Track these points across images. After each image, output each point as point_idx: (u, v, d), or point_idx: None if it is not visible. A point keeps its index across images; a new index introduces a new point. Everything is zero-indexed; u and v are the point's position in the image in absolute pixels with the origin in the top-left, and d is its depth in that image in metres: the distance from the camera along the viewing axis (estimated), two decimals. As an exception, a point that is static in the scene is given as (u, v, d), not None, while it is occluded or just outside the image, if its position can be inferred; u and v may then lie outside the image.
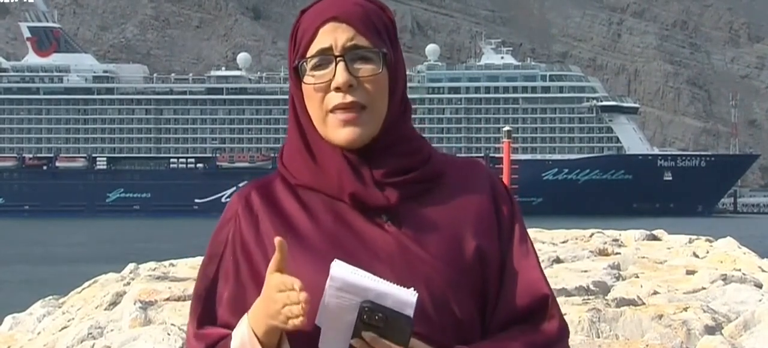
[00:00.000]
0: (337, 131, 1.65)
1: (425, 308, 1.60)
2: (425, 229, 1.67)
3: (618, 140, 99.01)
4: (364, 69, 1.65)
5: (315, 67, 1.66)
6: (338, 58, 1.64)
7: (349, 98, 1.63)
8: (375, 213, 1.66)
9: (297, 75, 1.69)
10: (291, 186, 1.71)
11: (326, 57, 1.65)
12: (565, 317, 1.73)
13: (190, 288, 6.18)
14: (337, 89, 1.64)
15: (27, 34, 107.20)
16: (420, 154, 1.71)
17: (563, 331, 1.70)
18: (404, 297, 1.52)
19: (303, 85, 1.68)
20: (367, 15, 1.67)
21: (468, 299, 1.66)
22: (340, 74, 1.63)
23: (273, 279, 1.54)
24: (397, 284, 1.56)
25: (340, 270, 1.53)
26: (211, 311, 1.69)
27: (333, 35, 1.65)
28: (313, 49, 1.66)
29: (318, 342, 1.56)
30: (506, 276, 1.70)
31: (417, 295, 1.53)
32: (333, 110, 1.64)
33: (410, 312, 1.51)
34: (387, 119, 1.68)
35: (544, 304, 1.69)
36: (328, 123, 1.65)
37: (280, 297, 1.52)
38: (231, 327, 1.65)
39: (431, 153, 1.73)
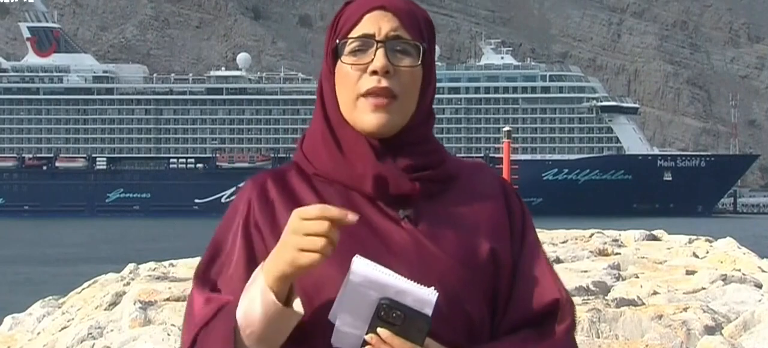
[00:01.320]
0: (366, 116, 1.65)
1: (439, 306, 1.58)
2: (441, 227, 1.67)
3: (618, 140, 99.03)
4: (403, 60, 1.67)
5: (354, 52, 1.67)
6: (380, 44, 1.66)
7: (383, 83, 1.65)
8: (391, 208, 1.67)
9: (334, 57, 1.70)
10: (307, 177, 1.71)
11: (368, 41, 1.67)
12: (576, 318, 1.74)
13: (190, 288, 6.17)
14: (374, 73, 1.65)
15: (27, 34, 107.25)
16: (438, 154, 1.73)
17: (569, 336, 1.70)
18: (424, 296, 1.51)
19: (339, 64, 1.69)
20: (412, 12, 1.70)
21: (480, 300, 1.66)
22: (379, 59, 1.65)
23: (300, 210, 1.54)
24: (412, 281, 1.56)
25: (362, 266, 1.52)
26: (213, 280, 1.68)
27: (378, 23, 1.67)
28: (356, 32, 1.68)
29: (330, 335, 1.56)
30: (518, 279, 1.70)
31: (437, 294, 1.52)
32: (365, 95, 1.66)
33: (429, 311, 1.51)
34: (414, 117, 1.69)
35: (555, 308, 1.69)
36: (358, 107, 1.66)
37: (303, 226, 1.52)
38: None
39: (446, 154, 1.75)
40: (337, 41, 1.69)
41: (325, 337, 1.57)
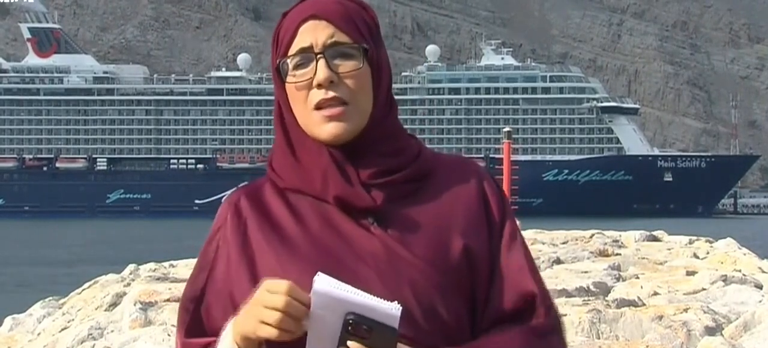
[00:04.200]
0: (322, 127, 1.64)
1: (411, 311, 1.59)
2: (411, 230, 1.65)
3: (618, 141, 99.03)
4: (345, 65, 1.65)
5: (297, 67, 1.66)
6: (319, 56, 1.64)
7: (331, 94, 1.63)
8: (361, 215, 1.65)
9: (279, 75, 1.69)
10: (280, 190, 1.70)
11: (307, 55, 1.65)
12: (560, 314, 1.72)
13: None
14: (319, 86, 1.64)
15: (27, 35, 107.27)
16: (407, 152, 1.70)
17: (550, 325, 1.67)
18: (387, 311, 1.52)
19: (286, 85, 1.68)
20: (346, 12, 1.67)
21: (456, 300, 1.64)
22: (320, 71, 1.63)
23: (268, 282, 1.54)
24: (383, 287, 1.58)
25: (323, 284, 1.52)
26: (199, 321, 1.69)
27: (313, 33, 1.65)
28: (294, 48, 1.66)
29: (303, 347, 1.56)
30: (495, 276, 1.67)
31: (401, 309, 1.52)
32: (317, 107, 1.64)
33: (395, 325, 1.52)
34: (372, 116, 1.67)
35: (533, 303, 1.67)
36: (313, 120, 1.65)
37: (265, 298, 1.52)
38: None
39: (421, 150, 1.72)
40: (278, 61, 1.68)
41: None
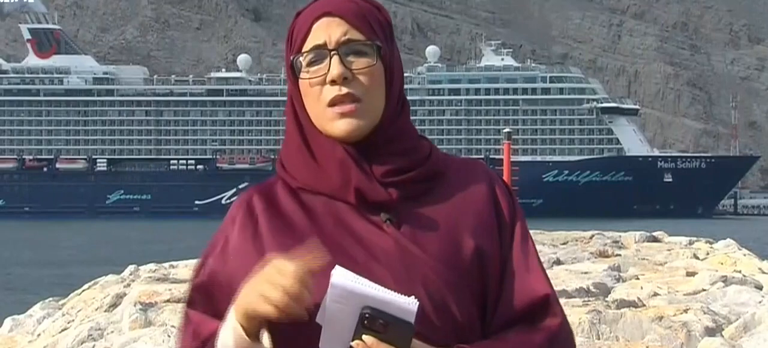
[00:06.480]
0: (336, 123, 1.66)
1: (424, 309, 1.59)
2: (424, 229, 1.67)
3: (618, 142, 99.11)
4: (359, 62, 1.66)
5: (310, 63, 1.68)
6: (332, 52, 1.66)
7: (344, 90, 1.65)
8: (374, 213, 1.66)
9: (293, 72, 1.71)
10: (292, 190, 1.71)
11: (321, 52, 1.67)
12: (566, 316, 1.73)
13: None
14: (333, 82, 1.65)
15: (27, 35, 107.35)
16: (420, 152, 1.72)
17: (563, 329, 1.68)
18: (404, 305, 1.52)
19: (300, 82, 1.70)
20: (360, 10, 1.69)
21: (467, 300, 1.65)
22: (334, 67, 1.65)
23: (278, 261, 1.54)
24: (395, 285, 1.57)
25: (341, 277, 1.53)
26: (208, 299, 1.71)
27: (327, 30, 1.67)
28: (308, 45, 1.68)
29: (317, 340, 1.56)
30: (506, 277, 1.69)
31: (417, 303, 1.53)
32: (330, 104, 1.66)
33: (411, 319, 1.52)
34: (385, 113, 1.69)
35: (545, 305, 1.67)
36: (326, 116, 1.66)
37: (272, 275, 1.52)
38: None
39: (432, 151, 1.73)
40: (292, 58, 1.70)
41: (312, 340, 1.57)
